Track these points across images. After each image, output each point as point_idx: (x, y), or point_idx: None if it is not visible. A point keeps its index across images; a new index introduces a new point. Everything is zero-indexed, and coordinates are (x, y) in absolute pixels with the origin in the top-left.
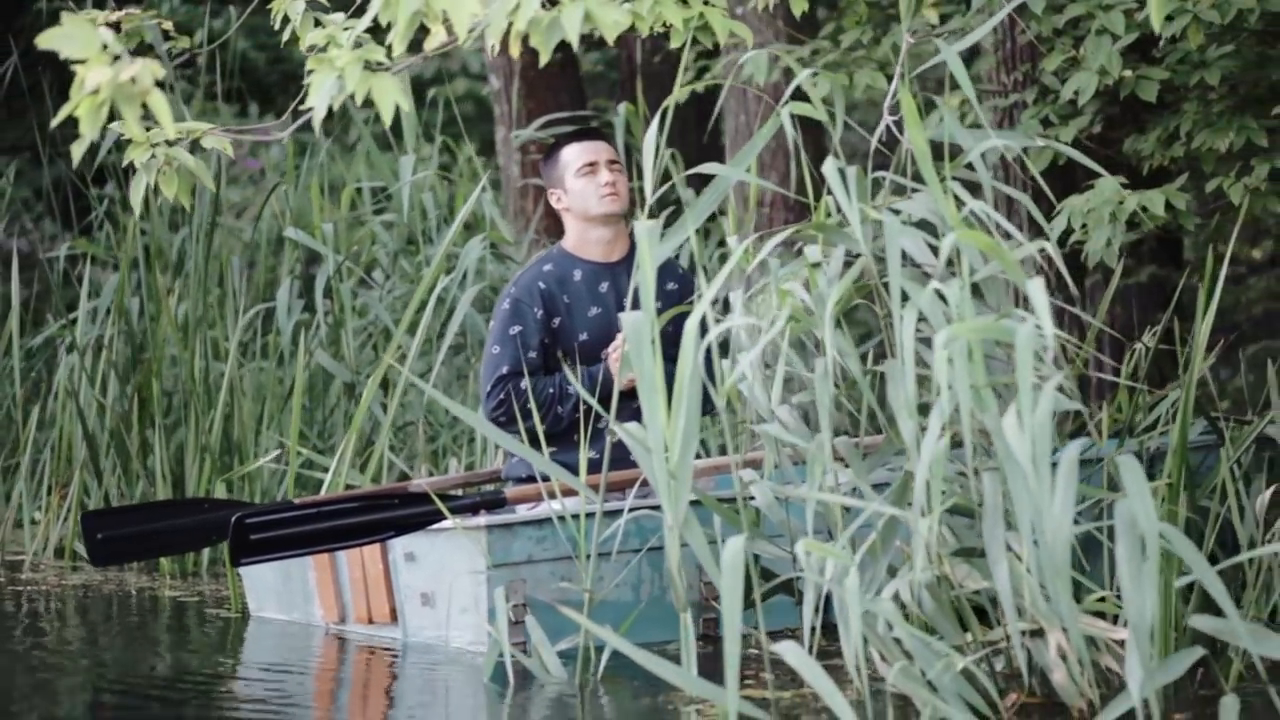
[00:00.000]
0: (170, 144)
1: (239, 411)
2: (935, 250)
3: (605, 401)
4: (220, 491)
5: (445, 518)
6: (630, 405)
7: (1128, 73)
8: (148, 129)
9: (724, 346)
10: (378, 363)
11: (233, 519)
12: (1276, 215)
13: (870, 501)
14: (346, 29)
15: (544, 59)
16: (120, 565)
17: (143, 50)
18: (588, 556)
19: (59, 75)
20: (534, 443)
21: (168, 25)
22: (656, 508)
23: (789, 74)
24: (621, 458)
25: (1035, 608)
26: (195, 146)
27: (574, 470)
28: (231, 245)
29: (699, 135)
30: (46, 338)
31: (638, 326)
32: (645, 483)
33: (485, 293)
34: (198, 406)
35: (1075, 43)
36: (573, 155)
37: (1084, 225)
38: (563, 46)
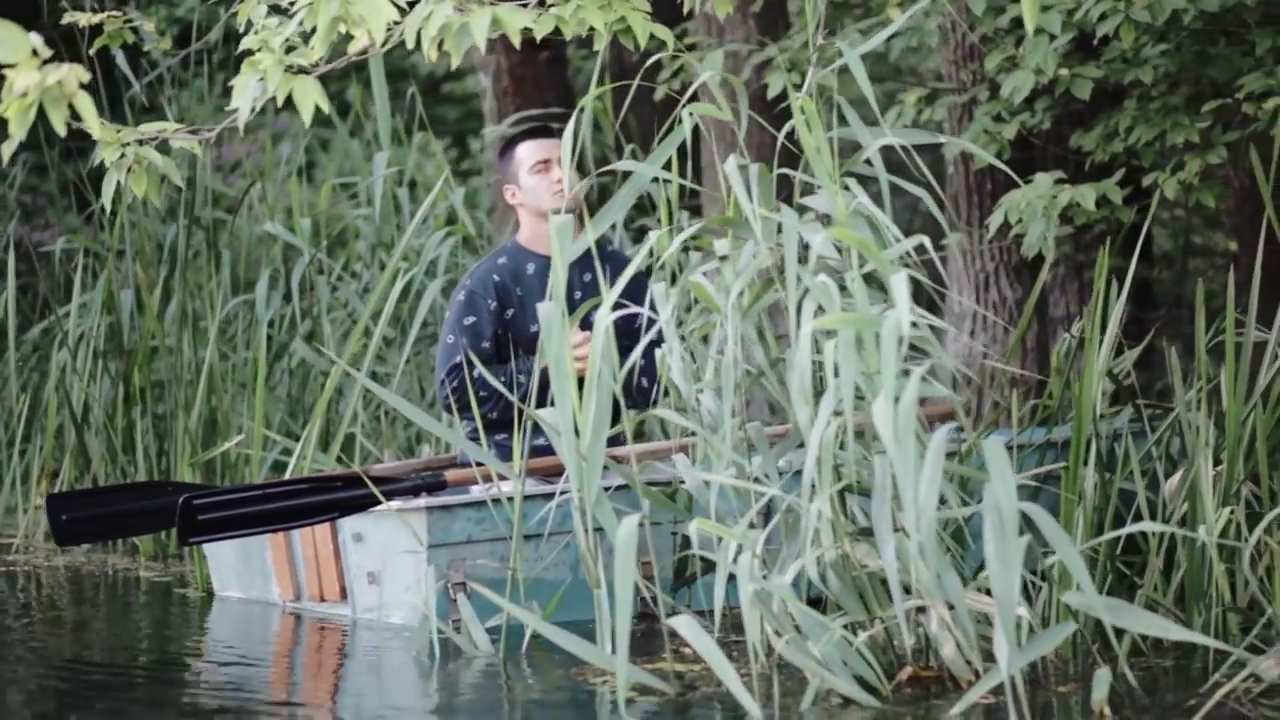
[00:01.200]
0: (141, 143)
1: (221, 400)
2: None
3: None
4: (195, 477)
5: (384, 500)
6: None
7: (1064, 71)
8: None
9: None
10: (360, 354)
11: (180, 500)
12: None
13: (772, 485)
14: (276, 34)
15: (455, 62)
16: (83, 545)
17: (127, 50)
18: (525, 537)
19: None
20: (490, 427)
21: (150, 26)
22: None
23: (761, 73)
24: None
25: (920, 584)
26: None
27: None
28: (236, 241)
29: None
30: (44, 329)
31: (549, 316)
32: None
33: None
34: (182, 396)
35: (1018, 42)
36: (526, 152)
37: (1019, 220)
38: (548, 45)
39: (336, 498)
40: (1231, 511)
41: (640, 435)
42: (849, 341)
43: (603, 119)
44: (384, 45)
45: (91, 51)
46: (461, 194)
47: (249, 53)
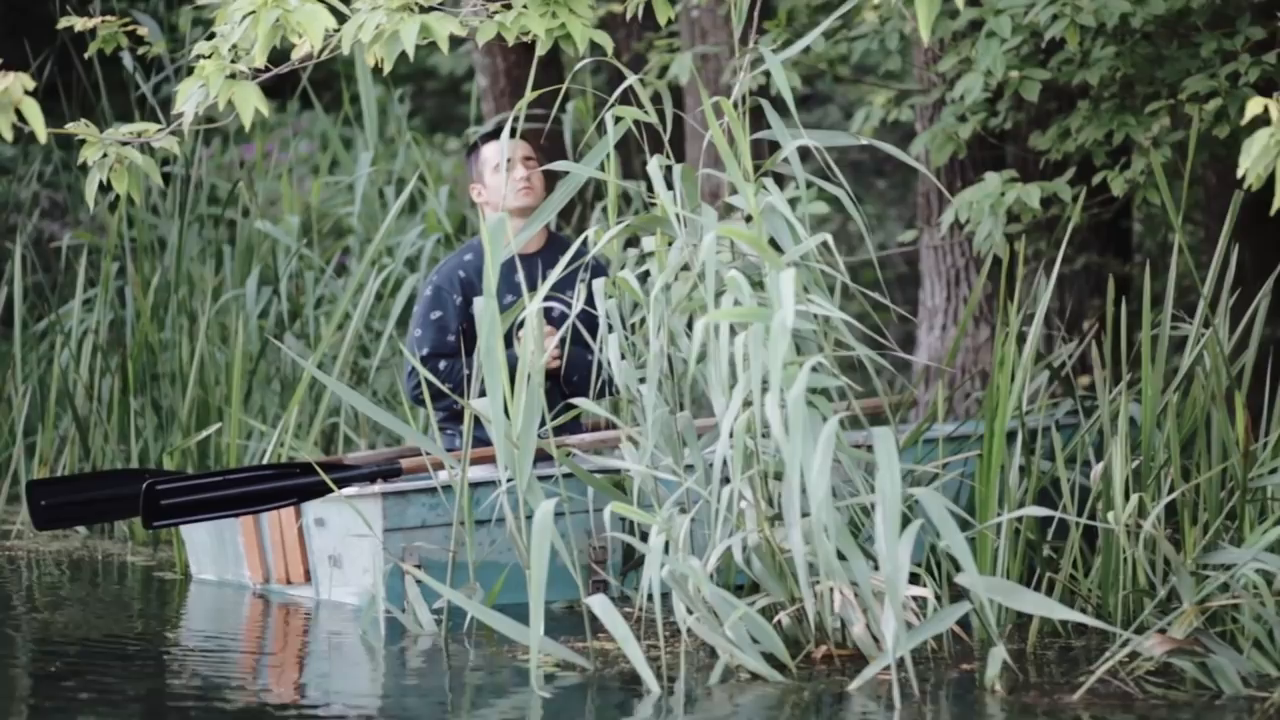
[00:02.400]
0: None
1: (212, 392)
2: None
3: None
4: (188, 465)
5: (341, 487)
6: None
7: (1014, 73)
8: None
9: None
10: (338, 345)
11: (143, 485)
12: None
13: (697, 474)
14: (225, 40)
15: (387, 68)
16: (61, 529)
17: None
18: (478, 522)
19: (105, 71)
20: (456, 417)
21: (143, 30)
22: (546, 478)
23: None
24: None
25: (827, 566)
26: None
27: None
28: (241, 236)
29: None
30: (50, 322)
31: (485, 311)
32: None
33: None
34: (179, 388)
35: (975, 44)
36: (491, 152)
37: (967, 220)
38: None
39: (295, 484)
40: (1140, 499)
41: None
42: (759, 335)
43: (586, 120)
44: (323, 52)
45: (87, 55)
46: (446, 191)
47: (202, 57)
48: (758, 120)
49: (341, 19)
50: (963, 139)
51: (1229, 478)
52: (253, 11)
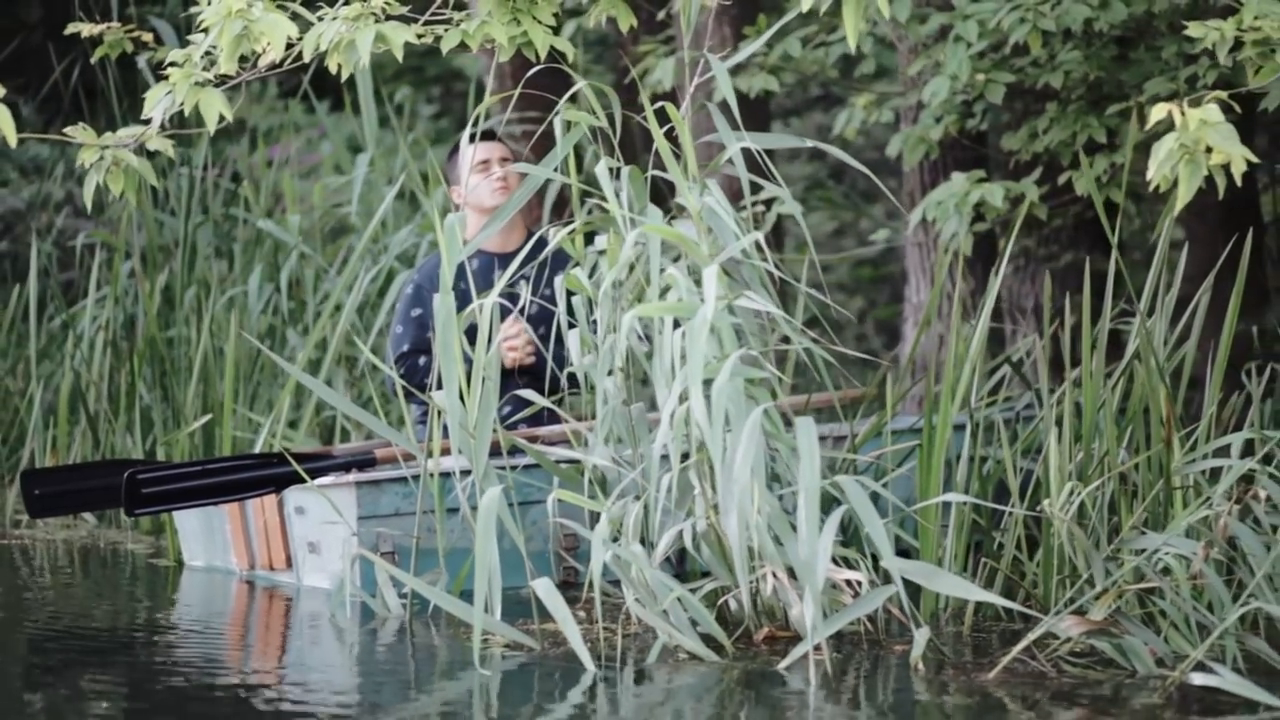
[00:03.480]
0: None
1: (213, 386)
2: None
3: None
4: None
5: (315, 476)
6: (515, 381)
7: (980, 76)
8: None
9: None
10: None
11: (125, 475)
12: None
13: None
14: (196, 49)
15: (344, 74)
16: (55, 517)
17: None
18: (428, 511)
19: (125, 76)
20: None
21: (148, 37)
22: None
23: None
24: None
25: (763, 551)
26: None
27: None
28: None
29: None
30: (65, 319)
31: (441, 306)
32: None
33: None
34: (189, 382)
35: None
36: (469, 154)
37: (934, 219)
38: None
39: (272, 474)
40: (1072, 490)
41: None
42: (695, 329)
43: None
44: (286, 60)
45: (93, 60)
46: (441, 192)
47: (175, 64)
48: (747, 122)
49: (308, 26)
50: (934, 140)
51: (1163, 466)
52: (219, 20)
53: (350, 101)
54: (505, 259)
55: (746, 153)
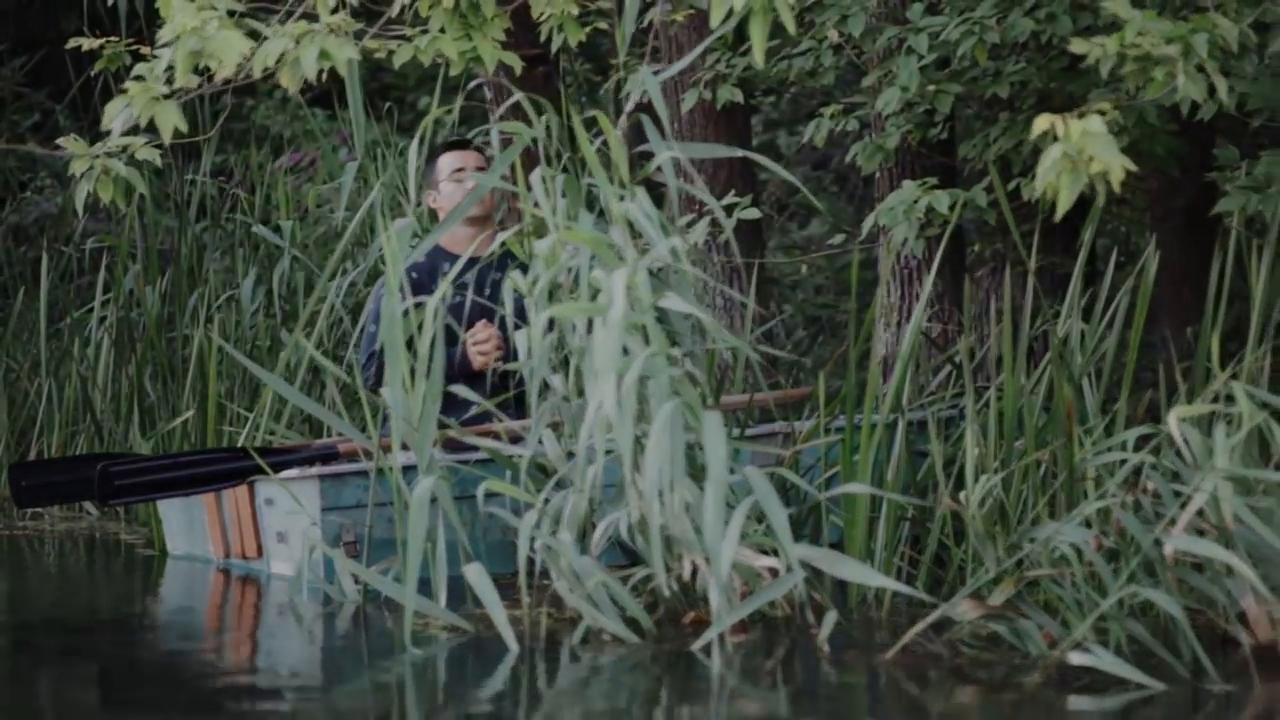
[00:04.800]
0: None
1: (209, 384)
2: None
3: (464, 377)
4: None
5: (281, 469)
6: (483, 381)
7: (931, 86)
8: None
9: None
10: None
11: (98, 467)
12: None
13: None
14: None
15: (293, 89)
16: (39, 509)
17: None
18: (381, 504)
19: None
20: None
21: (145, 50)
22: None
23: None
24: (484, 418)
25: (683, 539)
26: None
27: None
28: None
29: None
30: (71, 321)
31: (385, 306)
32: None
33: None
34: (187, 381)
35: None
36: (446, 162)
37: (884, 225)
38: (544, 60)
39: (239, 466)
40: (987, 480)
41: None
42: (606, 327)
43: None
44: (238, 76)
45: (93, 73)
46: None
47: (140, 78)
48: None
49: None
50: (890, 149)
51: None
52: (175, 38)
53: (368, 108)
54: (477, 264)
55: (729, 161)
